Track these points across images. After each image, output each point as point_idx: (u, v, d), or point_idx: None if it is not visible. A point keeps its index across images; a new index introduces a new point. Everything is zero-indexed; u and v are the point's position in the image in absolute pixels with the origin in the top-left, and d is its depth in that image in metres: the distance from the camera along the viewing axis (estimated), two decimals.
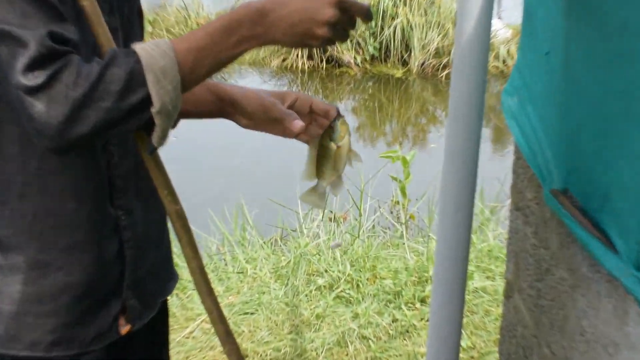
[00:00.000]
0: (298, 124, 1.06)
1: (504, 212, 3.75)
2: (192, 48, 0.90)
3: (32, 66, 0.82)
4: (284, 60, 8.26)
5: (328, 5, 0.91)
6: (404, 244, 3.30)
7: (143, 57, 0.87)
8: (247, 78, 7.97)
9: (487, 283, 2.88)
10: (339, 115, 1.08)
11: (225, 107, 1.13)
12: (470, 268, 2.94)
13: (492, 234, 3.40)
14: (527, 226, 1.10)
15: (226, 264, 3.22)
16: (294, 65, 8.19)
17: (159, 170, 1.02)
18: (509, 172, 1.22)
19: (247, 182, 4.69)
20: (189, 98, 1.10)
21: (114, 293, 1.07)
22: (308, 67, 8.17)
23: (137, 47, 0.89)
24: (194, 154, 5.20)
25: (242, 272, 3.07)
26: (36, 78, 0.82)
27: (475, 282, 2.87)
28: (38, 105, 0.83)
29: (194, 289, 2.87)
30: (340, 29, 0.94)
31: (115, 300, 1.07)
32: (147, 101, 0.87)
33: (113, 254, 1.05)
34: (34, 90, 0.83)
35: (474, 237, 3.27)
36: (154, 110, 0.88)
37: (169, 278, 1.21)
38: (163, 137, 0.93)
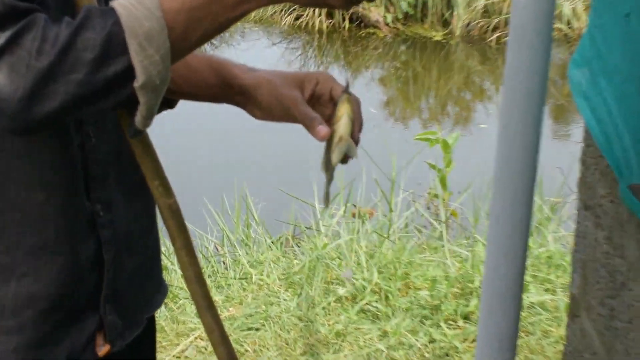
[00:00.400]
0: (322, 130, 1.06)
1: (567, 209, 3.73)
2: (185, 8, 0.89)
3: None
4: (297, 18, 8.25)
5: None
6: (443, 247, 3.30)
7: (124, 18, 0.86)
8: (251, 39, 7.98)
9: (546, 297, 2.87)
10: (344, 92, 1.08)
11: (234, 95, 1.14)
12: (526, 278, 2.92)
13: (553, 236, 3.39)
14: (599, 229, 1.09)
15: (226, 268, 3.25)
16: (310, 25, 8.19)
17: (147, 156, 1.02)
18: (575, 161, 1.21)
19: (252, 168, 4.71)
20: (187, 76, 1.10)
21: (89, 306, 1.07)
22: (327, 27, 8.17)
23: (117, 4, 0.88)
24: (187, 131, 5.23)
25: (245, 278, 3.09)
26: None
27: (532, 295, 2.86)
28: None
29: (186, 298, 2.89)
30: None
31: (91, 315, 1.07)
32: (128, 73, 0.87)
33: (89, 257, 1.05)
34: None
35: (529, 240, 3.26)
36: (136, 84, 0.88)
37: (157, 289, 1.22)
38: (148, 118, 0.93)
